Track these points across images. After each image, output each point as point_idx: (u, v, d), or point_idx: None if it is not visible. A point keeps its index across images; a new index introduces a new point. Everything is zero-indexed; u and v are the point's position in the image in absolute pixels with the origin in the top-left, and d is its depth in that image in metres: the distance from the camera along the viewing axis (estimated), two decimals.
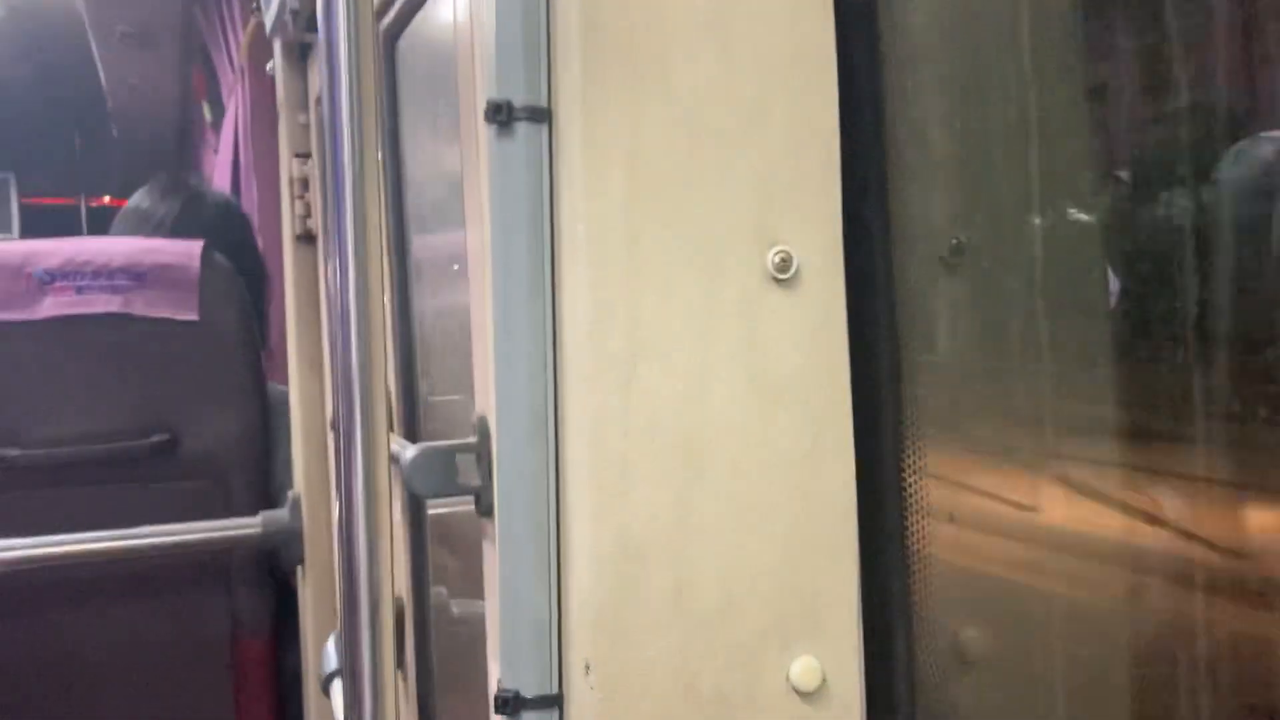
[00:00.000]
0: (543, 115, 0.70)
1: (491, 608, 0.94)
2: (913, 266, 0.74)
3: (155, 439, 1.94)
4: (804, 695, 0.73)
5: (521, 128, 0.70)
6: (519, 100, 0.70)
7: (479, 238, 0.88)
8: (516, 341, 0.72)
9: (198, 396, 1.98)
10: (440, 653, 1.41)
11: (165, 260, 1.97)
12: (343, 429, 0.78)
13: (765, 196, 0.71)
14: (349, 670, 0.81)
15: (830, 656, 0.73)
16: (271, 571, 2.02)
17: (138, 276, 1.96)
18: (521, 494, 0.73)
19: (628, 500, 0.70)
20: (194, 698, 1.97)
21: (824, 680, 0.73)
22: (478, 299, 0.92)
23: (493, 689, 0.78)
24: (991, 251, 0.74)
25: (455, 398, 1.33)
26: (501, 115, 0.70)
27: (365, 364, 0.76)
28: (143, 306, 1.94)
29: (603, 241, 0.69)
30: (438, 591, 1.42)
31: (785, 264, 0.71)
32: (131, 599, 1.95)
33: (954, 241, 0.74)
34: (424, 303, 1.42)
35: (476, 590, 1.10)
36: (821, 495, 0.73)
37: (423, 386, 1.44)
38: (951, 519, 0.75)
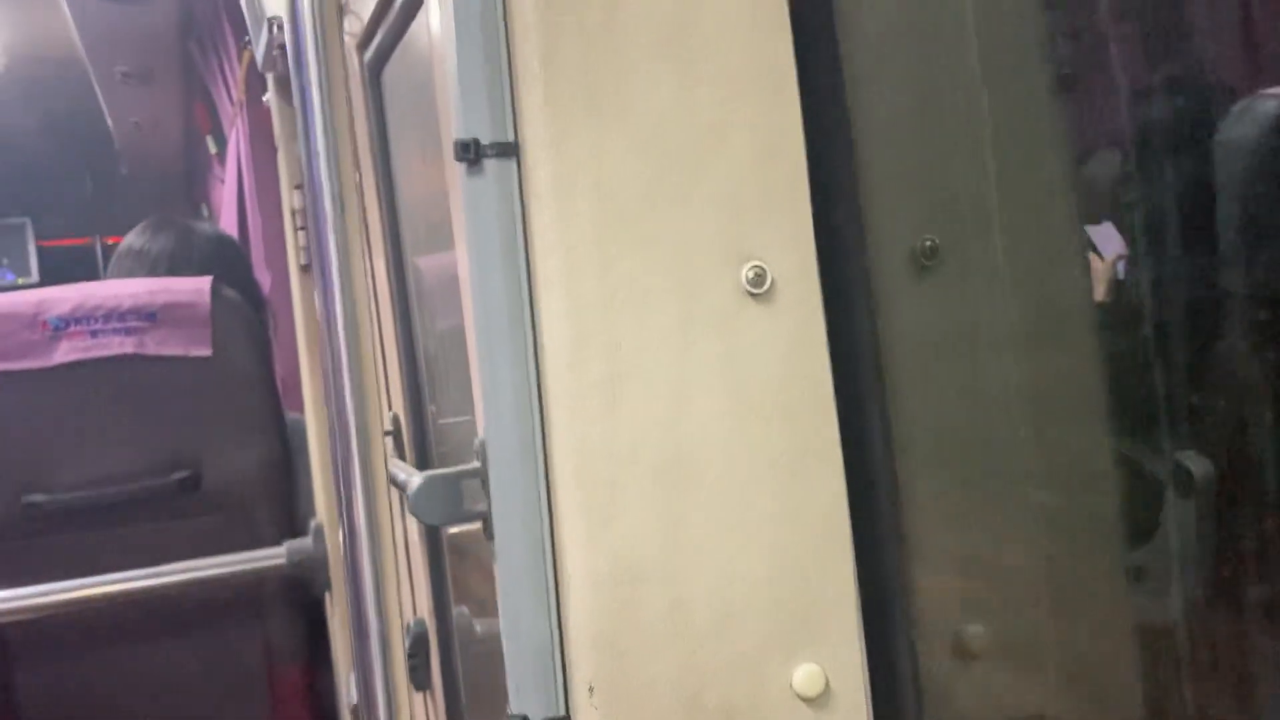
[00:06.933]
0: (510, 150, 0.71)
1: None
2: (888, 271, 0.74)
3: (178, 476, 1.96)
4: (808, 701, 0.73)
5: (490, 164, 0.71)
6: (485, 137, 0.71)
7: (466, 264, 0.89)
8: (501, 371, 0.73)
9: (217, 431, 2.00)
10: (467, 672, 1.42)
11: (175, 299, 1.99)
12: (340, 460, 0.80)
13: (735, 213, 0.72)
14: (364, 702, 0.83)
15: (833, 662, 0.73)
16: (302, 599, 2.04)
17: (149, 316, 1.99)
18: (516, 520, 0.74)
19: (618, 522, 0.71)
20: None
21: (827, 685, 0.73)
22: (470, 323, 0.93)
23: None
24: (965, 251, 0.75)
25: (464, 419, 1.35)
26: (469, 153, 0.70)
27: (358, 393, 0.77)
28: (155, 345, 1.97)
29: (576, 270, 0.70)
30: (460, 611, 1.43)
31: (759, 278, 0.71)
32: (165, 636, 1.97)
33: (927, 243, 0.75)
34: (429, 325, 1.44)
35: (493, 609, 1.14)
36: (812, 503, 0.73)
37: (431, 410, 1.45)
38: (945, 518, 0.76)
